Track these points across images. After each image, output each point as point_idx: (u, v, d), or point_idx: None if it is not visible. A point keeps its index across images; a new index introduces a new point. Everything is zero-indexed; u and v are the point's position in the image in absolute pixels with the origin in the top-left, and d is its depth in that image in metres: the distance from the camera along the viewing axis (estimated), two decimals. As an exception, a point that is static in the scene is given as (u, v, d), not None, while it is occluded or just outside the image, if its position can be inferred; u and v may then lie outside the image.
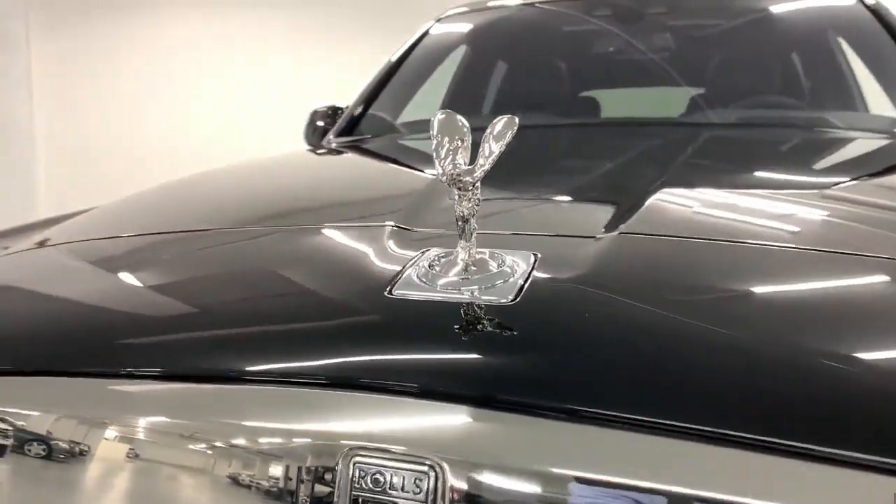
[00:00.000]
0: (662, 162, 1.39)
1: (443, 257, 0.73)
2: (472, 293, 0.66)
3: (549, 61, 2.32)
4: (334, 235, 0.95)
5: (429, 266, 0.71)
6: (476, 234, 0.69)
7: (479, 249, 0.70)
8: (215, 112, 6.93)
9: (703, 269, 0.78)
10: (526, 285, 0.67)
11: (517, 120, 0.71)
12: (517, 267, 0.70)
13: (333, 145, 2.05)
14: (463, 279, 0.67)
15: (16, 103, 6.88)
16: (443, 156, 0.69)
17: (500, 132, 0.69)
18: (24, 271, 1.00)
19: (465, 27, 2.54)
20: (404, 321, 0.67)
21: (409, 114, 2.26)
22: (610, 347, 0.62)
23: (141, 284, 0.86)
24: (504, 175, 1.42)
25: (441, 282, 0.68)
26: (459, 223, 0.67)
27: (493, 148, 0.67)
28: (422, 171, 1.49)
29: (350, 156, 1.91)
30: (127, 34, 7.00)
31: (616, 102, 2.34)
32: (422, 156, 1.78)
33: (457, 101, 2.45)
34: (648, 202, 0.94)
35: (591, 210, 1.08)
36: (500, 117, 0.71)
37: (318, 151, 2.05)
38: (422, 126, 2.20)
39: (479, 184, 0.67)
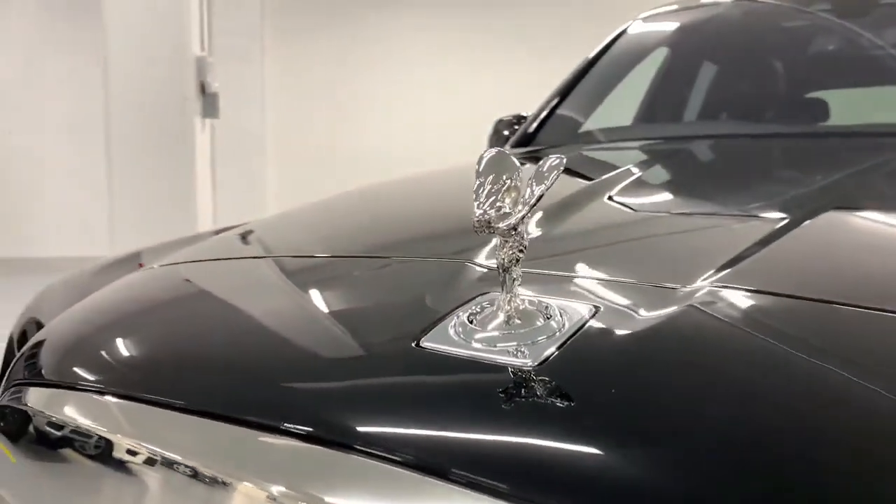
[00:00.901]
0: (829, 184, 1.14)
1: (488, 305, 0.66)
2: (506, 351, 0.59)
3: (765, 61, 2.00)
4: (412, 269, 0.88)
5: (468, 317, 0.64)
6: (519, 283, 0.62)
7: (531, 297, 0.65)
8: (430, 118, 7.23)
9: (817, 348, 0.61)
10: (565, 346, 0.59)
11: (564, 160, 0.61)
12: (567, 321, 0.62)
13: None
14: (502, 334, 0.61)
15: (251, 112, 7.59)
16: (482, 198, 0.60)
17: (543, 173, 0.60)
18: (155, 289, 0.98)
19: (668, 26, 2.29)
20: (414, 381, 0.62)
21: (597, 121, 2.06)
22: (636, 445, 0.50)
23: (265, 319, 0.81)
24: (644, 195, 1.17)
25: (478, 335, 0.61)
26: (500, 272, 0.61)
27: (534, 191, 0.59)
28: (576, 188, 1.30)
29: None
30: (349, 47, 7.48)
31: (842, 106, 1.97)
32: (596, 167, 1.59)
33: (655, 106, 2.22)
34: (781, 243, 0.78)
35: (708, 248, 0.88)
36: (549, 157, 0.62)
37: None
38: (610, 135, 2.00)
39: (522, 230, 0.60)
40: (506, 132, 2.33)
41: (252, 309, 0.83)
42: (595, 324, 0.62)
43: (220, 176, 7.26)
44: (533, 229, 0.95)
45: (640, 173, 1.34)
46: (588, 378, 0.57)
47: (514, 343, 0.59)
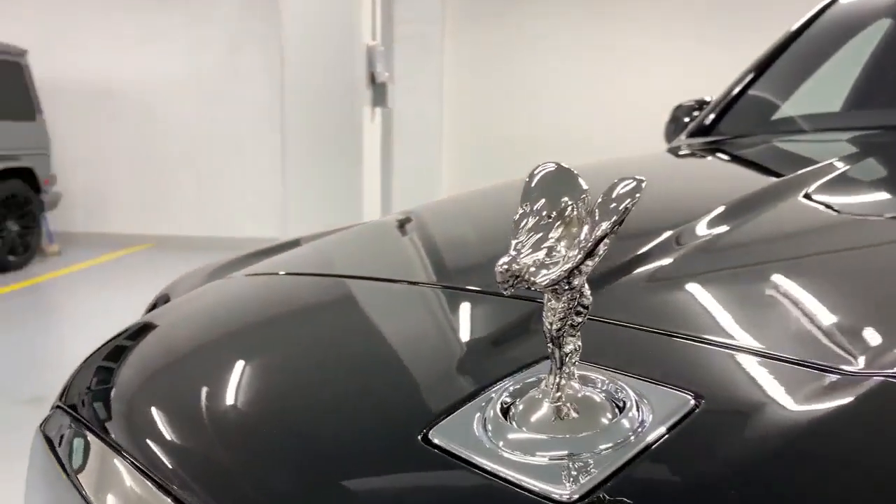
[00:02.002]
0: None
1: (534, 387, 0.45)
2: (538, 469, 0.38)
3: None
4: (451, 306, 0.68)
5: (503, 403, 0.44)
6: (576, 359, 0.42)
7: (600, 378, 0.44)
8: (608, 104, 7.01)
9: None
10: (632, 466, 0.38)
11: (644, 184, 0.39)
12: (647, 421, 0.41)
13: (682, 149, 1.67)
14: (543, 437, 0.40)
15: (429, 98, 7.68)
16: (523, 235, 0.41)
17: (610, 203, 0.39)
18: (218, 307, 0.90)
19: (890, -8, 1.91)
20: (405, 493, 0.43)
21: (796, 107, 1.76)
22: None
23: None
24: (849, 198, 0.90)
25: (509, 435, 0.41)
26: (549, 346, 0.42)
27: (595, 231, 0.39)
28: (760, 186, 1.05)
29: (688, 162, 1.52)
30: (528, 32, 7.35)
31: None
32: (792, 162, 1.32)
33: (872, 89, 1.86)
34: None
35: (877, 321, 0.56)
36: (623, 180, 0.40)
37: (652, 157, 1.68)
38: (812, 122, 1.69)
39: (579, 284, 0.40)
40: (685, 119, 2.07)
41: (275, 358, 0.68)
42: (695, 427, 0.41)
43: (395, 162, 7.49)
44: (688, 239, 0.74)
45: (845, 168, 1.08)
46: None
47: (558, 454, 0.39)
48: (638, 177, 0.40)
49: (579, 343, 0.43)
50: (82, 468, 0.59)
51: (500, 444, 0.41)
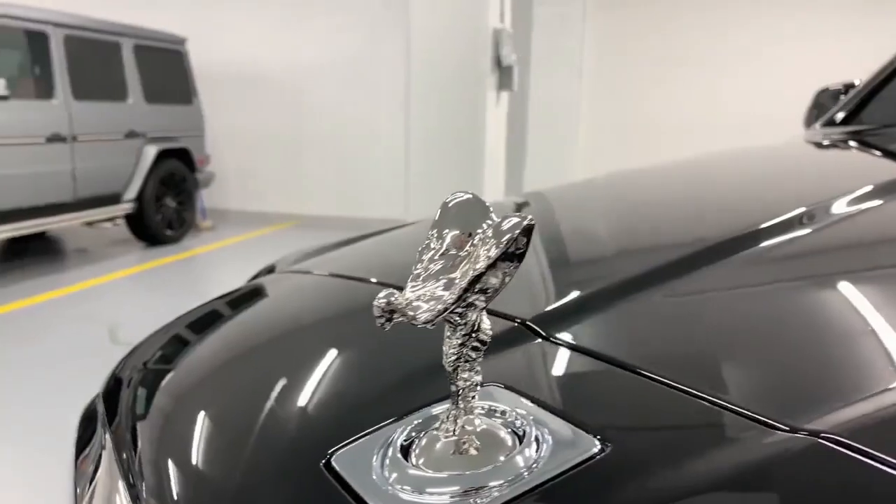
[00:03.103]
0: None
1: (435, 420, 0.44)
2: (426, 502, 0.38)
3: None
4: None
5: (407, 433, 0.43)
6: (475, 394, 0.40)
7: (503, 414, 0.43)
8: (756, 87, 6.60)
9: None
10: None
11: (533, 224, 0.36)
12: (545, 457, 0.39)
13: (818, 138, 1.50)
14: (433, 473, 0.39)
15: (569, 81, 7.52)
16: (420, 266, 0.39)
17: (500, 236, 0.36)
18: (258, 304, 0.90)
19: None
20: None
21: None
22: None
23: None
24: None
25: (406, 469, 0.40)
26: (449, 380, 0.41)
27: (474, 272, 0.36)
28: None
29: (822, 154, 1.35)
30: (671, 12, 7.01)
31: None
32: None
33: None
34: None
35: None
36: (511, 216, 0.37)
37: (783, 146, 1.52)
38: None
39: (473, 320, 0.38)
40: (830, 105, 1.87)
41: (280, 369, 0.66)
42: (589, 472, 0.38)
43: (529, 142, 7.41)
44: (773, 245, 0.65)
45: None
46: None
47: (443, 491, 0.38)
48: (526, 216, 0.36)
49: (478, 378, 0.40)
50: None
51: (392, 479, 0.40)
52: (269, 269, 1.18)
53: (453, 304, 0.36)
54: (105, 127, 5.99)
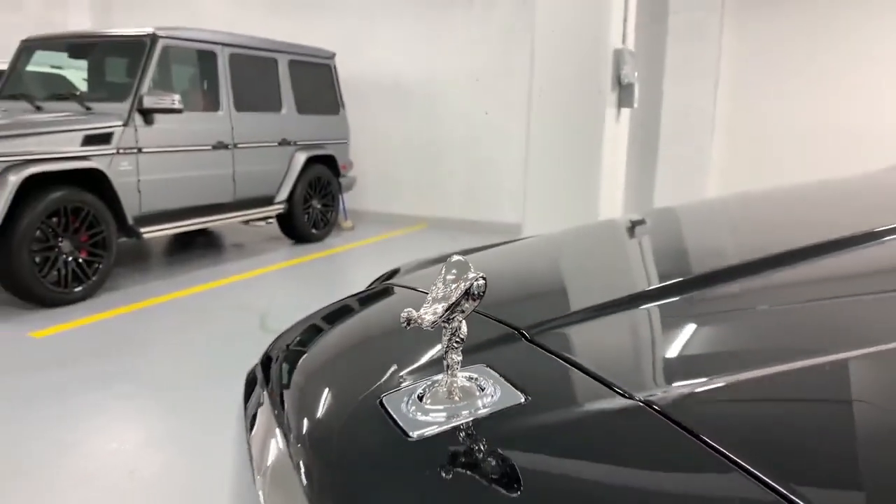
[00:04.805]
0: None
1: (436, 381, 0.72)
2: (427, 419, 0.66)
3: None
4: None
5: (422, 388, 0.72)
6: (458, 367, 0.69)
7: (475, 378, 0.71)
8: None
9: None
10: (458, 426, 0.64)
11: (480, 282, 0.64)
12: (498, 403, 0.66)
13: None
14: (437, 407, 0.68)
15: (703, 90, 7.39)
16: (430, 297, 0.67)
17: (454, 290, 0.65)
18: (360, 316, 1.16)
19: None
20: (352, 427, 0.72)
21: None
22: None
23: None
24: None
25: (422, 406, 0.69)
26: (444, 359, 0.69)
27: (449, 303, 0.64)
28: None
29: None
30: (816, 19, 6.72)
31: None
32: None
33: None
34: None
35: None
36: (471, 274, 0.64)
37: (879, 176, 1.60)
38: None
39: (454, 326, 0.66)
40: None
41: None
42: (509, 413, 0.65)
43: (661, 153, 7.36)
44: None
45: None
46: (453, 459, 0.60)
47: (442, 415, 0.66)
48: (479, 276, 0.63)
49: (458, 358, 0.68)
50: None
51: (412, 410, 0.69)
52: (393, 272, 1.42)
53: (441, 317, 0.64)
54: (261, 136, 6.64)
